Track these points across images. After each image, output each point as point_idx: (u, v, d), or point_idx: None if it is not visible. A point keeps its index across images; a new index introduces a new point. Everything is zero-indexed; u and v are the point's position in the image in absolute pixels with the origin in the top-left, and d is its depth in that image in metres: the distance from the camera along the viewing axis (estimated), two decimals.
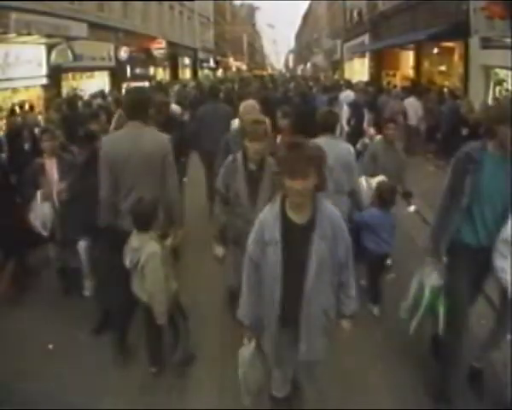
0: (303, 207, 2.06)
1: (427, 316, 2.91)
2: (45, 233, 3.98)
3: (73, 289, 4.08)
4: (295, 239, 2.07)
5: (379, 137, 5.03)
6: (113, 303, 3.41)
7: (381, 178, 4.02)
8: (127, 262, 2.90)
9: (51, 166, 4.05)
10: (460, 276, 2.70)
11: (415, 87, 12.04)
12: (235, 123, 4.83)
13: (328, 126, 3.77)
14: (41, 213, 3.95)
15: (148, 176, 3.03)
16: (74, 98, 10.27)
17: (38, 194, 3.95)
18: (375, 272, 3.95)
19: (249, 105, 4.07)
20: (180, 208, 3.37)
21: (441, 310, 2.77)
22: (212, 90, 7.20)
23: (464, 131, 5.34)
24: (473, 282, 2.74)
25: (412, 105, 9.67)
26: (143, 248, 2.82)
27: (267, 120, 3.07)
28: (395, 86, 13.27)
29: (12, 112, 9.49)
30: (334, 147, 3.55)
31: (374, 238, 3.79)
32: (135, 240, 2.88)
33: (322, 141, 3.68)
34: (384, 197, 3.78)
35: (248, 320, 2.27)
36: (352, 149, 3.83)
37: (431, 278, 2.80)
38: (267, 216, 2.13)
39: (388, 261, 4.37)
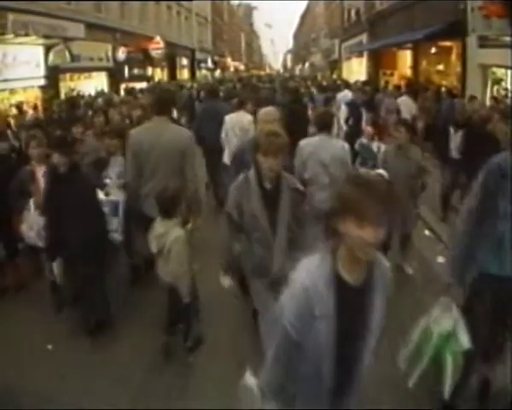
0: (361, 264, 1.56)
1: (430, 368, 2.41)
2: (41, 244, 3.71)
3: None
4: (351, 307, 1.58)
5: (388, 145, 4.93)
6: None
7: (379, 171, 4.04)
8: (152, 248, 3.06)
9: (41, 174, 3.80)
10: (483, 313, 2.35)
11: (409, 86, 12.06)
12: (228, 119, 5.18)
13: (325, 126, 3.91)
14: (35, 222, 3.71)
15: (166, 167, 3.42)
16: (76, 98, 10.23)
17: (31, 202, 3.74)
18: None
19: (269, 114, 3.30)
20: (198, 198, 3.68)
21: (449, 361, 2.32)
22: (212, 90, 7.59)
23: (461, 131, 5.33)
24: (497, 319, 2.38)
25: (406, 104, 9.67)
26: (168, 234, 2.99)
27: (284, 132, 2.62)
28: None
29: (20, 111, 9.49)
30: (330, 145, 3.82)
31: None
32: (160, 227, 3.04)
33: (317, 140, 3.85)
34: None
35: (271, 390, 1.75)
36: (346, 146, 3.96)
37: (440, 323, 2.35)
38: (315, 280, 1.55)
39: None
